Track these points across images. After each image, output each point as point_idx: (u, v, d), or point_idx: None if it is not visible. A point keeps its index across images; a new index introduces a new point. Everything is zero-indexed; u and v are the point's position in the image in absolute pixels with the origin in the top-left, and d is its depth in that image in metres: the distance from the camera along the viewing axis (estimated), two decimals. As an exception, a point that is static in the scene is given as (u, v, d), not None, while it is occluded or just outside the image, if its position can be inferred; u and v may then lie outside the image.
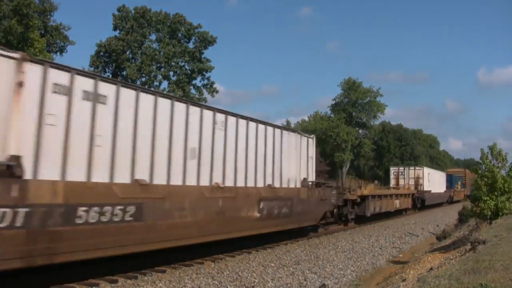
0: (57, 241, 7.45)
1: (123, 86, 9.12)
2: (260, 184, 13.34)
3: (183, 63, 43.10)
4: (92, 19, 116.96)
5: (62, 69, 7.85)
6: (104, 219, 8.20)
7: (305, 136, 16.90)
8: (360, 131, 67.21)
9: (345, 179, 24.98)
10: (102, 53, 41.29)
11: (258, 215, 13.07)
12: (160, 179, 9.64)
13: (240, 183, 12.40)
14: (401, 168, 38.06)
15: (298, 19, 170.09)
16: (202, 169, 10.91)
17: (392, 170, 38.25)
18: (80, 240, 7.82)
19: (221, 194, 11.42)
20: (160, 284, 8.95)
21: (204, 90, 43.71)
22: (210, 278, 9.76)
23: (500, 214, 15.33)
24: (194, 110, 10.88)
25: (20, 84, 7.09)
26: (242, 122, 12.77)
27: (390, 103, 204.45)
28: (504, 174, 15.84)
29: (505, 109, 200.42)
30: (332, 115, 64.58)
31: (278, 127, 14.94)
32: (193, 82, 43.73)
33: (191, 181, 10.57)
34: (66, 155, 7.72)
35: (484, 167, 16.18)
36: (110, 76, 39.55)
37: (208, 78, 43.87)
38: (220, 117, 11.74)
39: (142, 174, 9.19)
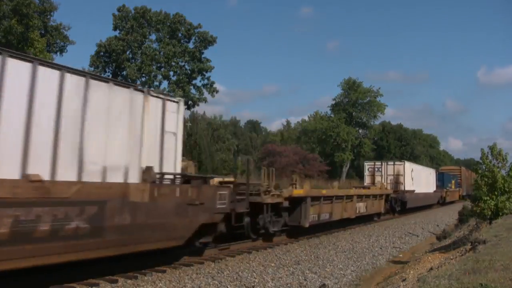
0: None
1: None
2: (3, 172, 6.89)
3: (183, 63, 43.08)
4: (92, 19, 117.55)
5: None
6: None
7: (157, 97, 10.21)
8: (360, 131, 67.43)
9: (253, 170, 16.83)
10: (102, 53, 41.27)
11: None
12: None
13: None
14: (378, 163, 30.91)
15: (298, 19, 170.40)
16: None
17: (367, 165, 31.09)
18: None
19: None
20: (160, 284, 8.95)
21: (204, 90, 43.74)
22: (210, 278, 9.77)
23: (500, 214, 15.36)
24: None
25: None
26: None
27: (390, 103, 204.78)
28: (504, 174, 15.85)
29: (505, 109, 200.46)
30: (332, 115, 64.79)
31: (79, 73, 8.51)
32: (193, 82, 43.72)
33: None
34: None
35: (484, 167, 16.18)
36: (110, 76, 39.58)
37: (208, 78, 43.89)
38: None
39: None
